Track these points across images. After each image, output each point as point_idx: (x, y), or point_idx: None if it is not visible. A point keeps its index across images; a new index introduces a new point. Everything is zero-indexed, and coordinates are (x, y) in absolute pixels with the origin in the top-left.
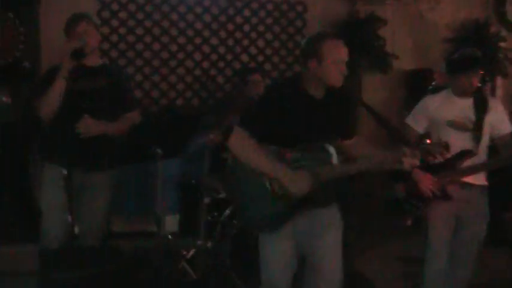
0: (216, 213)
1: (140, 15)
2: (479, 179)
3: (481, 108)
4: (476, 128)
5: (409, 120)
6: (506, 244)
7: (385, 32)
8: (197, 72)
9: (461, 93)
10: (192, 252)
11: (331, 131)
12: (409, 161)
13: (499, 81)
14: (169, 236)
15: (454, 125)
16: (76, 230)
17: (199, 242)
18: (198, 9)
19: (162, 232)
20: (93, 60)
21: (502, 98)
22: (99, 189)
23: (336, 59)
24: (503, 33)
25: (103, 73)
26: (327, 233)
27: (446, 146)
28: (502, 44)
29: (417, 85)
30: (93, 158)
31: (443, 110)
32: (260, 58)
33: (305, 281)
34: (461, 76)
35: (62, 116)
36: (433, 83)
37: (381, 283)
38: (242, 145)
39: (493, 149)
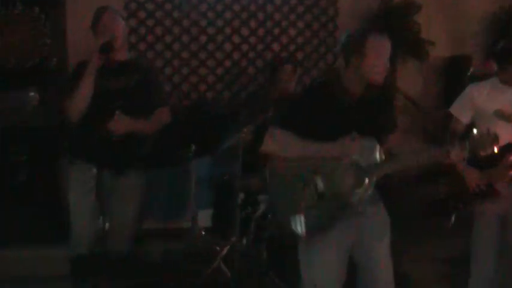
0: (250, 210)
1: (168, 6)
2: None
3: None
4: None
5: (454, 110)
6: None
7: (420, 19)
8: (227, 63)
9: (509, 82)
10: (226, 249)
11: (372, 128)
12: (458, 153)
13: None
14: (203, 232)
15: (502, 115)
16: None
17: (233, 239)
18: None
19: (196, 228)
20: (122, 55)
21: None
22: (129, 191)
23: (379, 55)
24: None
25: (132, 68)
26: (379, 241)
27: (496, 138)
28: None
29: (454, 73)
30: (124, 158)
31: (491, 99)
32: (291, 47)
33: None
34: (510, 65)
35: (92, 115)
36: (471, 70)
37: (421, 284)
38: (281, 138)
39: None
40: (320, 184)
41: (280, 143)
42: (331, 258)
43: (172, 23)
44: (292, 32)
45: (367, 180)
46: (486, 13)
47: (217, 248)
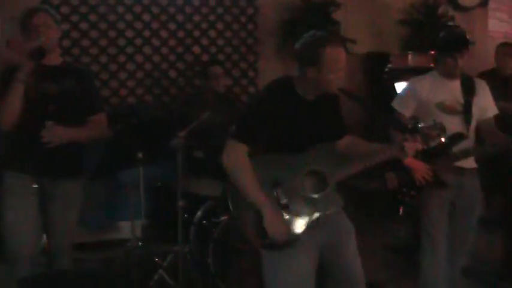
0: (186, 215)
1: (84, 9)
2: (470, 163)
3: (469, 90)
4: (466, 111)
5: (396, 105)
6: (493, 224)
7: (339, 16)
8: (148, 67)
9: (449, 74)
10: (169, 258)
11: (327, 132)
12: (412, 146)
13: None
14: (140, 243)
15: (445, 107)
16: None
17: (175, 248)
18: (146, 1)
19: (134, 240)
20: (54, 59)
21: None
22: (69, 199)
23: (336, 67)
24: (451, 12)
25: (66, 73)
26: (348, 240)
27: (443, 128)
28: (451, 24)
29: (373, 69)
30: (61, 165)
31: (433, 92)
32: (212, 49)
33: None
34: (450, 57)
35: (25, 122)
36: (389, 66)
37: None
38: (235, 165)
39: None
40: (282, 196)
41: (232, 165)
42: (303, 266)
43: (89, 27)
44: (213, 33)
45: (327, 185)
46: (402, 8)
47: (156, 260)
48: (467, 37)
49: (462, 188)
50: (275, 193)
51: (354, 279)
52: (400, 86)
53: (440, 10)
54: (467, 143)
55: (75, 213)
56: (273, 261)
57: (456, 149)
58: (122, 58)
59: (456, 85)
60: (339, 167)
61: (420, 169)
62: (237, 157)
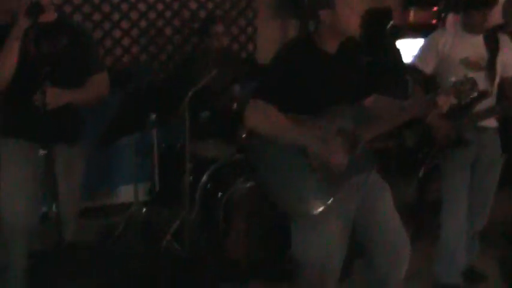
0: (191, 178)
1: None
2: (492, 121)
3: (493, 45)
4: (490, 67)
5: (417, 61)
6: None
7: None
8: (143, 24)
9: (473, 30)
10: (175, 225)
11: (353, 88)
12: (445, 101)
13: (450, 16)
14: (144, 209)
15: (469, 63)
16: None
17: (183, 213)
18: None
19: (137, 203)
20: (49, 15)
21: None
22: (71, 165)
23: (352, 2)
24: None
25: (62, 30)
26: (384, 201)
27: (475, 83)
28: None
29: (374, 25)
30: (60, 130)
31: (456, 47)
32: (210, 5)
33: (373, 262)
34: (475, 12)
35: (18, 85)
36: (391, 23)
37: None
38: (262, 116)
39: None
40: (313, 157)
41: (264, 120)
42: (333, 233)
43: None
44: None
45: (358, 146)
46: None
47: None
48: None
49: (484, 147)
50: (306, 154)
51: (393, 239)
52: (402, 44)
53: None
54: (491, 101)
55: (78, 179)
56: (302, 228)
57: (479, 107)
58: (116, 16)
59: (479, 40)
60: (369, 126)
61: (442, 127)
62: (263, 111)
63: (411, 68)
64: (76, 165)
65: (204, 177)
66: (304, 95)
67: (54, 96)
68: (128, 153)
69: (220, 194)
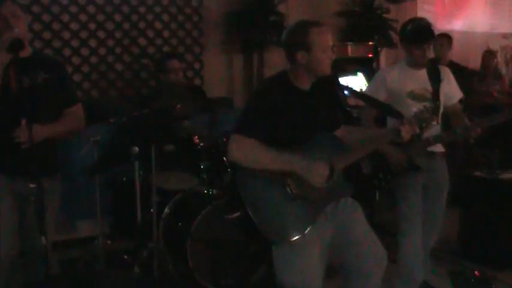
0: (152, 210)
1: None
2: (439, 147)
3: (436, 78)
4: (435, 98)
5: (368, 93)
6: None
7: (280, 8)
8: (93, 60)
9: (417, 64)
10: (144, 254)
11: (327, 121)
12: (408, 130)
13: (384, 50)
14: (109, 242)
15: (415, 96)
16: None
17: (150, 245)
18: None
19: (101, 237)
20: (25, 51)
21: (385, 66)
22: (54, 194)
23: (325, 46)
24: (386, 5)
25: (38, 65)
26: (357, 220)
27: (435, 112)
28: (386, 16)
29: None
30: (38, 164)
31: (403, 81)
32: (158, 41)
33: (348, 281)
34: (417, 47)
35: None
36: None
37: None
38: (246, 149)
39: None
40: (293, 187)
41: (247, 154)
42: (313, 256)
43: (33, 19)
44: (158, 25)
45: (334, 175)
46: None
47: (125, 257)
48: (432, 29)
49: (433, 171)
50: (286, 184)
51: (371, 255)
52: (343, 80)
53: (376, 2)
54: (437, 128)
55: (55, 212)
56: (284, 253)
57: (427, 134)
58: (67, 52)
59: (423, 74)
60: (343, 155)
61: (394, 155)
62: (246, 144)
63: (365, 97)
64: (56, 198)
65: (167, 209)
66: (282, 129)
67: (37, 131)
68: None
69: (181, 224)
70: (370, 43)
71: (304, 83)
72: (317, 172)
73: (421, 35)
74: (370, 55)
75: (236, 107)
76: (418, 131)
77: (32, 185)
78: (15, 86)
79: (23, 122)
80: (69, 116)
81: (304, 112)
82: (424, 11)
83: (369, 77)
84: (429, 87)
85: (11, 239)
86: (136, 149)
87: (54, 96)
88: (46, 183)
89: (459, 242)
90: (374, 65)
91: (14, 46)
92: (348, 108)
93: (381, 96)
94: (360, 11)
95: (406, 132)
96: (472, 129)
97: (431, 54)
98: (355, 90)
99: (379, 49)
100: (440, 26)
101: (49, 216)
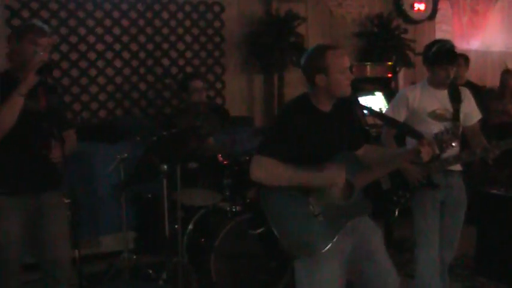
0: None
1: (54, 22)
2: (457, 166)
3: (456, 98)
4: (455, 118)
5: (389, 113)
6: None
7: (300, 29)
8: (118, 80)
9: (439, 85)
10: (168, 269)
11: (347, 141)
12: (428, 151)
13: (402, 70)
14: (134, 256)
15: (436, 116)
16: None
17: (175, 259)
18: (116, 15)
19: (126, 252)
20: None
21: (403, 86)
22: (60, 206)
23: (342, 68)
24: (403, 25)
25: (49, 89)
26: (376, 240)
27: (455, 133)
28: (404, 36)
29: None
30: (49, 179)
31: (424, 101)
32: (181, 61)
33: None
34: (440, 68)
35: (21, 137)
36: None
37: None
38: (268, 169)
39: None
40: (314, 205)
41: (268, 173)
42: (333, 271)
43: (61, 40)
44: (181, 45)
45: (354, 192)
46: (358, 21)
47: (150, 272)
48: (455, 50)
49: (451, 189)
50: (308, 202)
51: (384, 277)
52: (362, 100)
53: (394, 23)
54: (457, 148)
55: (63, 224)
56: (305, 267)
57: (446, 154)
58: (93, 72)
59: (444, 94)
60: (363, 174)
61: (413, 172)
62: (268, 164)
63: (384, 116)
64: (60, 211)
65: (190, 225)
66: (305, 149)
67: (57, 150)
68: (110, 203)
69: (205, 239)
70: (389, 63)
71: (325, 105)
72: (336, 176)
73: (445, 56)
74: (388, 75)
75: (256, 126)
76: (438, 151)
77: (66, 200)
78: (44, 105)
79: (54, 142)
80: (69, 137)
81: (326, 133)
82: (441, 31)
83: (387, 97)
84: (450, 108)
85: (19, 249)
86: (165, 166)
87: (59, 119)
88: (47, 197)
89: (475, 258)
90: (392, 84)
91: (44, 70)
92: (367, 128)
93: (402, 115)
94: (378, 31)
95: (425, 153)
96: (491, 151)
97: (453, 75)
98: (374, 110)
99: (397, 69)
100: (457, 45)
101: (64, 227)
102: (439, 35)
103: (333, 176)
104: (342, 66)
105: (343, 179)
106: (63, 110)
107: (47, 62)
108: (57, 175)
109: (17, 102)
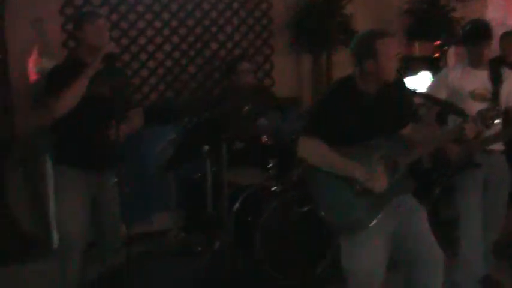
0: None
1: (105, 9)
2: (498, 145)
3: (497, 78)
4: (495, 98)
5: (432, 91)
6: None
7: (347, 9)
8: (168, 63)
9: (478, 64)
10: (216, 246)
11: (392, 122)
12: (472, 128)
13: (452, 49)
14: (183, 234)
15: (476, 95)
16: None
17: (222, 237)
18: (165, 0)
19: (175, 230)
20: None
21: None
22: (113, 187)
23: (391, 55)
24: (453, 3)
25: (112, 73)
26: (420, 219)
27: (500, 111)
28: (454, 14)
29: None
30: (107, 157)
31: (465, 81)
32: (229, 44)
33: (411, 275)
34: (474, 46)
35: (86, 118)
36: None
37: None
38: (313, 152)
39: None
40: (359, 181)
41: (310, 152)
42: (377, 246)
43: (110, 27)
44: (229, 28)
45: (399, 170)
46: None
47: (199, 249)
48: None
49: (492, 168)
50: (353, 179)
51: (431, 254)
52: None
53: (443, 1)
54: (499, 127)
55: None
56: (350, 242)
57: (487, 133)
58: (143, 56)
59: (485, 74)
60: (407, 152)
61: (455, 151)
62: (313, 145)
63: (429, 96)
64: (115, 190)
65: (238, 204)
66: (349, 130)
67: (123, 131)
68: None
69: (250, 217)
70: (438, 42)
71: (370, 88)
72: (378, 182)
73: (477, 35)
74: (437, 54)
75: (304, 106)
76: (482, 128)
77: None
78: (109, 91)
79: (113, 122)
80: (134, 118)
81: (370, 115)
82: (494, 7)
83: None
84: (490, 88)
85: (84, 232)
86: (206, 147)
87: (123, 100)
88: (106, 176)
89: None
90: (441, 63)
91: (109, 59)
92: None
93: (442, 95)
94: (427, 8)
95: (470, 130)
96: None
97: (491, 53)
98: (418, 91)
99: (446, 48)
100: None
101: (116, 206)
102: (492, 12)
103: (378, 183)
104: (390, 54)
105: (380, 188)
106: (129, 92)
107: (111, 52)
108: (115, 155)
109: (83, 84)
